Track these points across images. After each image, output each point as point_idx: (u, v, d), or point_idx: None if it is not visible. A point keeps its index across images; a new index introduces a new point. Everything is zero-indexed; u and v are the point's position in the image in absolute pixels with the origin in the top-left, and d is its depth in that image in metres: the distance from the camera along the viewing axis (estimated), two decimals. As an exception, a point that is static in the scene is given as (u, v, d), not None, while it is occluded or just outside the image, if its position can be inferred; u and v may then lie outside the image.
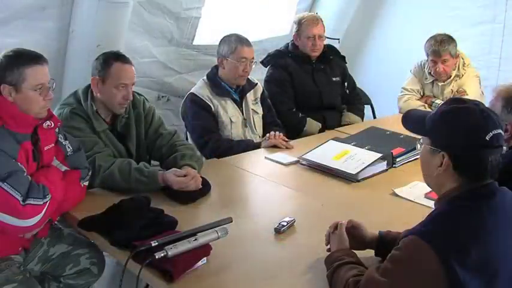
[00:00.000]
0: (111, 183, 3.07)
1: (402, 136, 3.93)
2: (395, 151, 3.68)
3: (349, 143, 3.77)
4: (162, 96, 5.48)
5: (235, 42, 4.12)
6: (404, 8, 6.33)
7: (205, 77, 4.26)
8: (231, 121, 4.14)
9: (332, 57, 5.03)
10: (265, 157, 3.77)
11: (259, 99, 4.41)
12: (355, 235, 2.39)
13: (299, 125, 4.67)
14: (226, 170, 3.60)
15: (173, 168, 3.13)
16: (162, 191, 3.06)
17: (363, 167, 3.43)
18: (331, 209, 3.00)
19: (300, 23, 4.84)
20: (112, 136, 3.33)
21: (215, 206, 3.06)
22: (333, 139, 3.88)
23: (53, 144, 2.75)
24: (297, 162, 3.67)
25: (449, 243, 1.82)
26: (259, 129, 4.36)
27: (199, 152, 3.95)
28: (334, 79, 4.99)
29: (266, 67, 4.96)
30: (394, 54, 6.26)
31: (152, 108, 3.56)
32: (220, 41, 4.22)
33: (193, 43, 5.31)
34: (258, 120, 4.36)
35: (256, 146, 4.04)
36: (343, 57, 5.16)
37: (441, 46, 4.70)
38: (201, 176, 3.17)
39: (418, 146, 2.15)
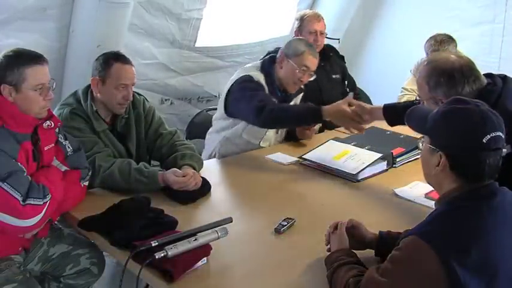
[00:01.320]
0: (111, 183, 3.07)
1: (402, 136, 3.94)
2: (396, 151, 3.68)
3: (349, 143, 3.77)
4: (166, 100, 5.49)
5: (305, 47, 3.94)
6: (404, 8, 6.34)
7: (259, 65, 4.02)
8: None
9: (332, 55, 5.01)
10: (266, 157, 3.76)
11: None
12: (355, 235, 2.39)
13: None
14: (226, 170, 3.61)
15: (173, 169, 3.13)
16: (162, 191, 3.06)
17: (363, 167, 3.43)
18: (331, 209, 3.00)
19: (302, 19, 4.80)
20: (112, 136, 3.32)
21: (215, 206, 3.06)
22: (333, 139, 3.88)
23: (53, 144, 2.75)
24: (297, 162, 3.68)
25: (449, 243, 1.82)
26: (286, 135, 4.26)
27: (256, 118, 3.67)
28: (334, 76, 4.96)
29: None
30: (394, 54, 6.26)
31: (152, 108, 3.55)
32: (290, 40, 4.08)
33: (196, 45, 5.31)
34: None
35: (317, 113, 3.56)
36: (342, 57, 5.16)
37: (441, 46, 4.71)
38: (201, 176, 3.17)
39: (420, 144, 2.15)
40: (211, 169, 3.53)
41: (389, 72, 6.03)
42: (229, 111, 3.94)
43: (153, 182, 3.06)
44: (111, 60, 3.23)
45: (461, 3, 5.77)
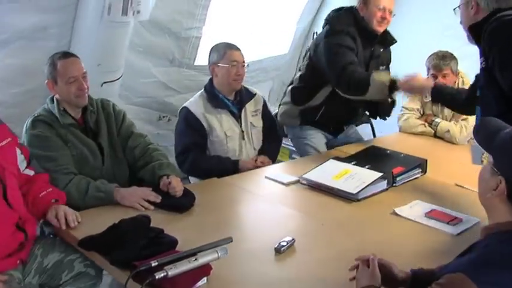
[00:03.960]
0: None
1: (402, 155, 3.94)
2: (396, 170, 3.67)
3: (349, 163, 3.76)
4: (163, 116, 5.50)
5: (224, 48, 4.09)
6: (402, 28, 6.34)
7: (202, 90, 4.18)
8: (226, 135, 4.08)
9: (395, 42, 4.78)
10: (266, 176, 3.75)
11: (260, 112, 4.33)
12: (386, 273, 2.27)
13: (363, 81, 4.18)
14: (226, 189, 3.59)
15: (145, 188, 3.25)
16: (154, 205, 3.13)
17: (363, 186, 3.41)
18: (332, 229, 3.00)
19: None
20: (79, 133, 3.39)
21: (215, 225, 3.04)
22: (333, 158, 3.87)
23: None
24: (297, 181, 3.65)
25: (500, 285, 1.72)
26: (257, 142, 4.29)
27: (178, 167, 3.99)
28: (381, 68, 4.71)
29: (326, 25, 4.54)
30: (393, 73, 6.27)
31: (122, 111, 3.66)
32: (210, 51, 4.20)
33: (195, 63, 5.33)
34: (256, 133, 4.29)
35: (235, 166, 4.02)
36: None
37: (443, 60, 4.75)
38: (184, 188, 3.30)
39: (483, 160, 2.04)
40: (211, 188, 3.53)
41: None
42: None
43: (109, 197, 3.14)
44: (55, 60, 3.34)
45: (457, 21, 5.79)
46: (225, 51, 4.07)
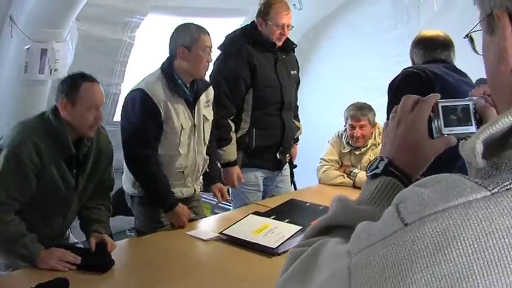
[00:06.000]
0: None
1: (321, 207, 4.00)
2: (315, 223, 3.68)
3: (268, 217, 3.80)
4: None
5: (197, 31, 3.70)
6: (322, 79, 6.52)
7: (159, 71, 3.75)
8: (182, 127, 3.74)
9: (294, 47, 4.72)
10: (186, 233, 3.73)
11: (211, 103, 4.04)
12: None
13: (221, 141, 4.39)
14: (147, 248, 3.56)
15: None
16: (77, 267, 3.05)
17: (283, 240, 3.44)
18: (253, 284, 3.01)
19: (269, 6, 4.41)
20: (64, 167, 3.19)
21: (135, 286, 3.03)
22: (252, 213, 3.89)
23: None
24: (217, 237, 3.64)
25: None
26: (207, 135, 4.03)
27: (125, 149, 3.77)
28: (292, 72, 4.66)
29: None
30: (313, 125, 6.39)
31: (111, 153, 3.55)
32: (176, 31, 3.75)
33: (114, 119, 5.32)
34: (207, 128, 4.00)
35: (172, 205, 3.76)
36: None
37: (361, 111, 4.85)
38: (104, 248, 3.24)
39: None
40: (131, 247, 3.51)
41: (309, 143, 6.11)
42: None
43: (32, 258, 3.01)
44: (78, 81, 3.14)
45: (375, 74, 5.99)
46: (199, 34, 3.68)
